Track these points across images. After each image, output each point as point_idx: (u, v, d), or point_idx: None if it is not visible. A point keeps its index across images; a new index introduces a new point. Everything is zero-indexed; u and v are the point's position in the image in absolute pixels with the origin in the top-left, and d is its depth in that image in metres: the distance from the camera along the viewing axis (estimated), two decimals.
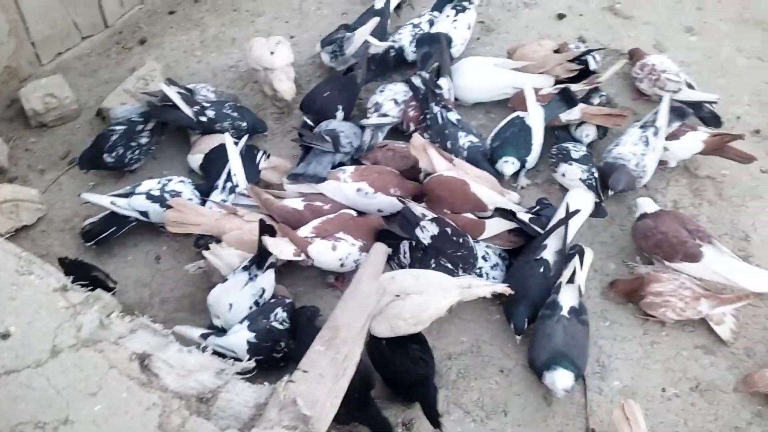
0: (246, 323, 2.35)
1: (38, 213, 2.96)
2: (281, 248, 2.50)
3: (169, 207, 2.68)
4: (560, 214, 2.73)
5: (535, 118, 3.04)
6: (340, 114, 3.19)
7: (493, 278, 2.70)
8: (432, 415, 2.29)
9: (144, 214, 2.79)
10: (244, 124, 3.15)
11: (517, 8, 3.97)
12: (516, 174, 3.06)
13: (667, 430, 2.39)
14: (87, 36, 3.71)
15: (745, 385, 2.48)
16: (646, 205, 2.79)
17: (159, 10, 3.97)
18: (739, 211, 3.01)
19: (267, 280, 2.52)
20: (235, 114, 3.17)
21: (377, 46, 3.40)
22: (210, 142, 3.06)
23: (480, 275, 2.70)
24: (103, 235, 2.82)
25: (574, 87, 3.13)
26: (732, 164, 3.11)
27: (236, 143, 2.98)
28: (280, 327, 2.35)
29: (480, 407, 2.46)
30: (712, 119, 3.24)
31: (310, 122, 3.18)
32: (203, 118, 3.09)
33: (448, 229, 2.61)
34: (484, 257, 2.73)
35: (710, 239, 2.68)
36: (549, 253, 2.63)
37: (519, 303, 2.53)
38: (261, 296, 2.49)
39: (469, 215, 2.80)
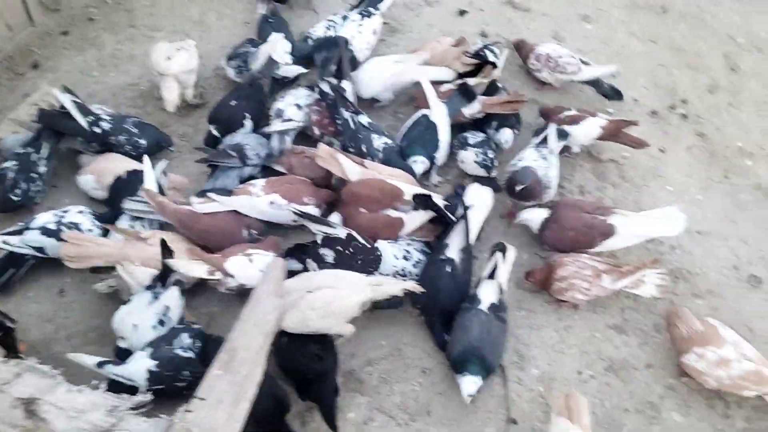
0: (148, 350, 2.25)
1: None
2: (189, 267, 2.43)
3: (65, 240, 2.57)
4: (459, 211, 2.77)
5: (439, 114, 3.05)
6: (248, 123, 3.14)
7: (417, 275, 2.70)
8: (328, 417, 2.27)
9: (40, 249, 2.66)
10: (143, 141, 3.05)
11: (419, 7, 3.99)
12: (427, 172, 3.08)
13: None
14: None
15: (667, 319, 2.59)
16: (532, 215, 2.81)
17: (51, 32, 3.79)
18: (641, 191, 3.12)
19: (171, 297, 2.43)
20: (135, 130, 3.06)
21: (288, 71, 3.36)
22: (104, 163, 2.94)
23: (403, 275, 2.71)
24: (2, 278, 2.68)
25: (472, 81, 3.18)
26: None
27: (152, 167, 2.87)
28: (185, 354, 2.25)
29: (404, 410, 2.45)
30: (613, 94, 3.38)
31: (215, 133, 3.11)
32: (97, 129, 2.97)
33: (340, 247, 2.60)
34: (405, 257, 2.73)
35: (611, 210, 2.75)
36: (453, 252, 2.65)
37: (433, 317, 2.56)
38: (165, 314, 2.40)
39: (387, 213, 2.78)
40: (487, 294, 2.54)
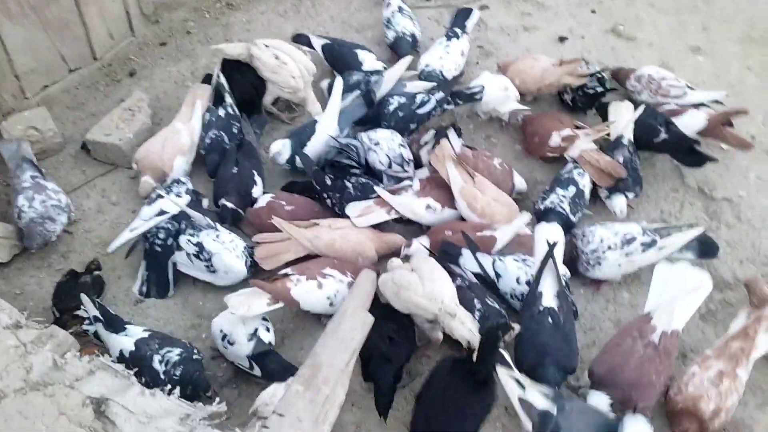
0: None
1: (14, 250, 2.79)
2: (249, 304, 2.28)
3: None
4: (539, 252, 2.41)
5: None
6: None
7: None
8: (380, 401, 2.04)
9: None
10: None
11: (516, 32, 3.86)
12: None
13: None
14: (75, 69, 3.59)
15: None
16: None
17: (150, 42, 3.87)
18: (760, 234, 2.81)
19: None
20: None
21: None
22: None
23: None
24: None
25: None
26: (750, 185, 2.94)
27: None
28: None
29: None
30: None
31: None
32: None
33: None
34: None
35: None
36: (549, 299, 2.28)
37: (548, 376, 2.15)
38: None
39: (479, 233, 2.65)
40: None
